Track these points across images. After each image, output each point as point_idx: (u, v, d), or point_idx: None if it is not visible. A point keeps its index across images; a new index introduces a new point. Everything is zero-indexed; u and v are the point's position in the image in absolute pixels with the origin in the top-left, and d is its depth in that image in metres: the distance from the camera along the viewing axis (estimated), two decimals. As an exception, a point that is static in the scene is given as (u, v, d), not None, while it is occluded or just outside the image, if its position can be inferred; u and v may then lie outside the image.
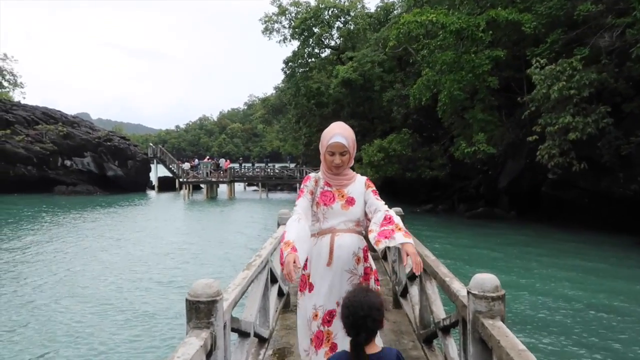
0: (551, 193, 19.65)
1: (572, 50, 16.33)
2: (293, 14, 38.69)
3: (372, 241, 2.38)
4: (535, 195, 20.74)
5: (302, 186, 2.66)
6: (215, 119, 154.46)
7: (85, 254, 14.87)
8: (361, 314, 1.77)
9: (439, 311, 3.14)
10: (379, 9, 37.37)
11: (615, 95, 16.04)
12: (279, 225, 5.29)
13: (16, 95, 49.53)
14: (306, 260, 2.53)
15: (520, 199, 21.66)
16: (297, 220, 2.45)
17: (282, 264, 2.24)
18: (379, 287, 2.56)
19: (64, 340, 7.93)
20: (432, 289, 3.32)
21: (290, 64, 38.25)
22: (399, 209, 4.66)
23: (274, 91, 57.94)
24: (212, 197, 37.55)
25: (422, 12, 20.38)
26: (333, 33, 38.58)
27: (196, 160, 47.38)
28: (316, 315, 2.49)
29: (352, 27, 37.04)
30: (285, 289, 4.81)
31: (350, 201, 2.55)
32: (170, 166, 42.15)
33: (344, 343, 2.19)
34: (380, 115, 31.06)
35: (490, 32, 18.82)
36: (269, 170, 40.90)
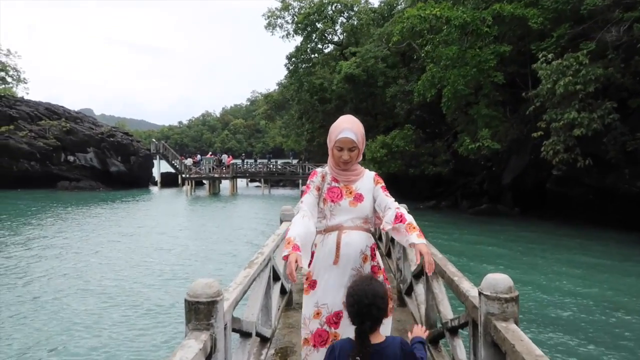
0: (556, 189, 19.50)
1: (578, 45, 16.15)
2: (296, 9, 38.53)
3: (388, 229, 2.33)
4: (540, 191, 20.59)
5: (308, 182, 2.58)
6: (218, 115, 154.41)
7: (87, 250, 14.84)
8: (366, 302, 1.76)
9: (447, 311, 3.05)
10: (382, 4, 37.19)
11: (622, 90, 15.87)
12: (281, 221, 5.21)
13: (20, 91, 49.47)
14: (311, 257, 2.45)
15: (524, 195, 21.51)
16: (302, 217, 2.38)
17: (283, 258, 2.19)
18: (388, 286, 2.47)
19: (64, 336, 7.89)
20: (439, 287, 3.23)
21: (293, 59, 38.12)
22: (404, 206, 4.56)
23: (277, 87, 57.78)
24: (215, 193, 37.50)
25: (426, 7, 20.21)
26: (336, 28, 38.42)
27: (199, 156, 47.35)
28: (318, 314, 2.40)
29: (355, 23, 36.86)
30: (287, 286, 4.73)
31: (359, 197, 2.46)
32: (173, 162, 42.11)
33: None
34: (384, 111, 30.92)
35: (496, 26, 18.65)
36: (271, 166, 40.84)
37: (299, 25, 36.65)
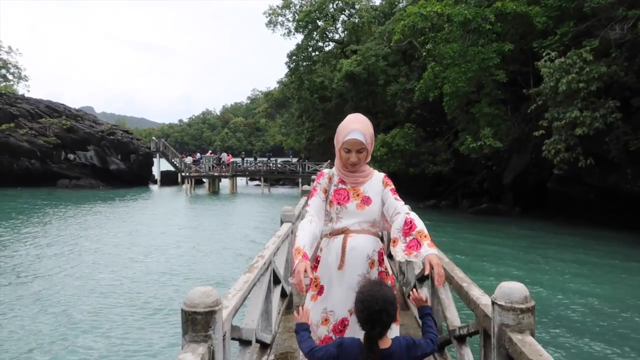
0: (557, 189, 19.39)
1: (581, 43, 16.02)
2: (297, 7, 38.40)
3: (400, 255, 2.17)
4: (541, 191, 20.47)
5: (314, 184, 2.47)
6: (218, 113, 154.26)
7: (85, 249, 14.73)
8: (376, 308, 1.74)
9: (454, 317, 2.94)
10: (384, 2, 37.05)
11: (625, 89, 15.74)
12: (282, 222, 5.10)
13: (20, 89, 49.58)
14: (317, 262, 2.35)
15: (525, 195, 21.40)
16: (309, 223, 2.28)
17: (293, 272, 2.08)
18: (395, 293, 2.36)
19: (59, 337, 7.79)
20: (445, 293, 3.13)
21: (294, 57, 38.00)
22: (407, 206, 4.46)
23: (277, 85, 57.67)
24: (214, 191, 37.40)
25: (427, 4, 20.08)
26: (337, 26, 38.31)
27: (198, 154, 47.24)
28: (326, 320, 2.31)
29: (356, 21, 36.73)
30: (288, 289, 4.63)
31: (366, 200, 2.34)
32: (173, 160, 42.02)
33: None
34: (384, 110, 30.81)
35: (499, 24, 18.52)
36: (271, 164, 40.69)
37: (300, 23, 36.53)
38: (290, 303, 4.82)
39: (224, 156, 42.23)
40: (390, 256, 6.69)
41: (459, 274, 2.78)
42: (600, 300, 9.67)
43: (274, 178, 40.23)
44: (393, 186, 2.42)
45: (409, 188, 26.55)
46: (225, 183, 39.46)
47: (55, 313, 8.91)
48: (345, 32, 38.26)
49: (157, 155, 41.94)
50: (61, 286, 10.70)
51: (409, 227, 2.18)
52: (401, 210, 2.28)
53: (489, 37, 19.17)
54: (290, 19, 39.02)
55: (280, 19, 39.32)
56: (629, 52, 15.30)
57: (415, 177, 24.91)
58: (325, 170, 2.46)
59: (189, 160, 40.93)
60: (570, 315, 8.81)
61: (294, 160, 47.52)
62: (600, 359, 7.05)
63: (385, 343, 1.79)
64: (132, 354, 7.16)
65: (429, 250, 2.08)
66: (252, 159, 47.82)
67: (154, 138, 47.64)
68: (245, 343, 2.68)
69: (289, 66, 38.89)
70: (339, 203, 2.34)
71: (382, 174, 2.47)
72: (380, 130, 27.45)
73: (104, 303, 9.51)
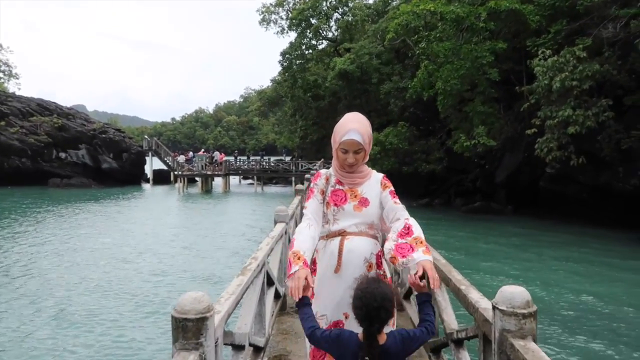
0: (549, 187, 19.47)
1: (574, 41, 16.08)
2: (291, 5, 38.28)
3: (387, 255, 2.13)
4: (533, 189, 20.54)
5: (311, 185, 2.39)
6: (211, 112, 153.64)
7: (75, 250, 14.52)
8: (375, 305, 1.75)
9: (451, 320, 2.88)
10: (377, 0, 36.98)
11: (617, 87, 15.81)
12: (275, 222, 5.03)
13: (11, 87, 48.95)
14: (314, 265, 2.28)
15: (518, 193, 21.47)
16: (308, 227, 2.21)
17: (289, 276, 2.00)
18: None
19: (44, 342, 7.68)
20: (442, 295, 3.07)
21: (287, 55, 37.86)
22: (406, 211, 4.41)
23: (271, 84, 57.47)
24: (207, 190, 37.22)
25: (420, 3, 20.06)
26: (331, 24, 38.25)
27: (191, 153, 47.00)
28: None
29: (350, 19, 36.68)
30: (282, 290, 4.56)
31: (364, 202, 2.27)
32: (165, 159, 41.78)
33: None
34: (377, 108, 30.78)
35: (492, 22, 18.54)
36: (264, 163, 40.56)
37: (294, 21, 36.42)
38: (284, 304, 4.76)
39: (217, 155, 42.05)
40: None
41: (456, 276, 2.72)
42: (594, 297, 9.73)
43: (267, 177, 40.11)
44: (392, 188, 2.35)
45: (402, 187, 26.38)
46: (218, 182, 39.29)
47: (45, 314, 8.79)
48: (339, 31, 38.18)
49: (150, 153, 41.72)
50: (51, 287, 10.57)
51: (406, 232, 2.12)
52: (401, 216, 2.22)
53: (482, 35, 19.19)
54: (284, 17, 38.94)
55: (273, 17, 39.23)
56: (622, 50, 15.37)
57: (408, 175, 24.91)
58: (322, 171, 2.39)
59: (181, 158, 40.72)
60: (564, 312, 8.84)
61: (287, 158, 47.41)
62: (595, 355, 7.09)
63: (382, 338, 1.80)
64: (122, 358, 7.06)
65: (422, 256, 2.01)
66: (245, 158, 47.63)
67: (146, 136, 47.37)
68: (238, 348, 2.61)
69: (282, 64, 38.75)
70: (335, 204, 2.28)
71: (381, 175, 2.38)
72: (374, 129, 26.83)
73: (94, 305, 9.39)
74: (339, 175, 2.32)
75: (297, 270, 1.98)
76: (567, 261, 12.88)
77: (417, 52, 22.45)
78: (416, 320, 3.96)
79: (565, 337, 7.64)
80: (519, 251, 14.32)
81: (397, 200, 2.29)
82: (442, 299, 3.06)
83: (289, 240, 5.34)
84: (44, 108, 41.41)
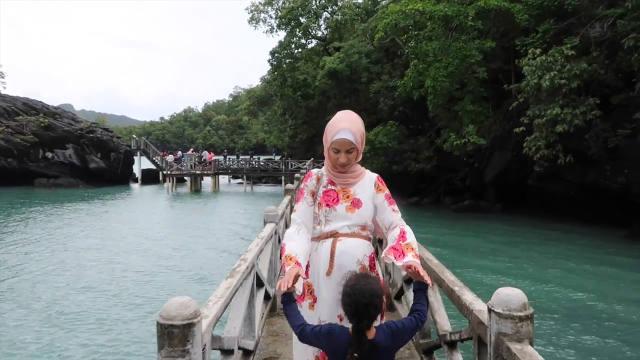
0: (537, 185, 19.59)
1: (562, 41, 16.18)
2: (280, 4, 38.10)
3: (383, 254, 2.14)
4: (522, 188, 20.66)
5: (302, 185, 2.33)
6: (200, 111, 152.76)
7: (60, 252, 14.28)
8: (363, 302, 1.76)
9: (444, 321, 2.84)
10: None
11: (604, 87, 15.94)
12: (265, 223, 4.96)
13: (-5, 86, 48.21)
14: (307, 268, 2.22)
15: (507, 191, 21.59)
16: (297, 232, 2.16)
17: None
18: (384, 299, 2.25)
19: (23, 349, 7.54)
20: (434, 296, 3.03)
21: (276, 54, 37.69)
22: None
23: (260, 83, 57.27)
24: (197, 190, 36.98)
25: (408, 2, 20.05)
26: (320, 23, 38.13)
27: (179, 152, 46.67)
28: None
29: (339, 18, 36.59)
30: (271, 291, 4.50)
31: (356, 203, 2.21)
32: (154, 158, 41.45)
33: None
34: (367, 107, 30.75)
35: (480, 21, 18.59)
36: (253, 162, 40.38)
37: (283, 20, 36.23)
38: (274, 306, 4.70)
39: (205, 154, 41.78)
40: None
41: (449, 277, 2.68)
42: (583, 293, 9.87)
43: (256, 176, 39.94)
44: (387, 191, 2.28)
45: (392, 186, 26.34)
46: (207, 181, 39.06)
47: (32, 317, 8.63)
48: (328, 30, 38.10)
49: (138, 153, 41.37)
50: (37, 288, 10.39)
51: (401, 237, 2.12)
52: (397, 224, 2.19)
53: (471, 34, 19.25)
54: (273, 15, 38.72)
55: (262, 15, 38.98)
56: (609, 50, 15.49)
57: (398, 174, 24.94)
58: (314, 171, 2.33)
59: (170, 158, 40.41)
60: (554, 308, 8.93)
61: (277, 158, 47.23)
62: (584, 350, 7.17)
63: (371, 333, 1.81)
64: None
65: (412, 259, 2.01)
66: (234, 157, 47.41)
67: (134, 136, 46.97)
68: (226, 352, 2.54)
69: (271, 63, 38.56)
70: (327, 205, 2.21)
71: (375, 175, 2.32)
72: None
73: (81, 306, 9.25)
74: (331, 175, 2.26)
75: (289, 269, 1.97)
76: (556, 258, 12.99)
77: (407, 51, 22.46)
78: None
79: (555, 333, 7.71)
80: (508, 248, 14.41)
81: (395, 208, 2.25)
82: (435, 299, 3.02)
83: (279, 240, 5.28)
84: (30, 107, 40.85)
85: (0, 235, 16.73)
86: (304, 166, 33.46)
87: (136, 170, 42.07)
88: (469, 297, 2.32)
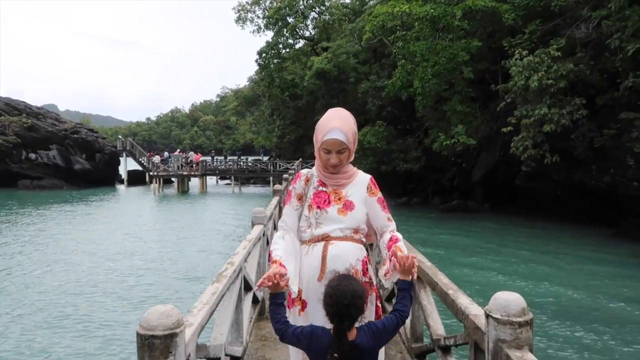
0: (525, 185, 19.72)
1: (548, 42, 16.29)
2: (267, 3, 37.97)
3: (381, 275, 2.08)
4: (509, 187, 20.79)
5: (290, 187, 2.24)
6: (187, 111, 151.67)
7: (43, 256, 13.97)
8: (345, 303, 1.76)
9: (437, 326, 2.77)
10: (354, 0, 36.97)
11: (590, 87, 16.07)
12: (253, 224, 4.86)
13: (-24, 86, 47.44)
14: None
15: (494, 191, 21.71)
16: (282, 237, 2.09)
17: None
18: (379, 304, 2.18)
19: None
20: (427, 299, 2.95)
21: (264, 55, 37.52)
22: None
23: (248, 83, 57.06)
24: (184, 191, 36.68)
25: (395, 4, 20.04)
26: (308, 23, 38.04)
27: (166, 153, 46.23)
28: None
29: (327, 18, 36.54)
30: (260, 295, 4.40)
31: (349, 205, 2.11)
32: (140, 159, 41.01)
33: None
34: (355, 108, 30.67)
35: (467, 21, 18.65)
36: (241, 163, 40.15)
37: (270, 19, 36.09)
38: (262, 309, 4.60)
39: (192, 155, 41.41)
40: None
41: (443, 280, 2.60)
42: (572, 290, 10.00)
43: (244, 177, 39.72)
44: (380, 194, 2.20)
45: (381, 186, 26.45)
46: (194, 182, 38.74)
47: (19, 320, 8.42)
48: (316, 30, 38.04)
49: (124, 154, 40.89)
50: (19, 292, 10.16)
51: (392, 243, 2.07)
52: (388, 229, 2.15)
53: (458, 34, 19.30)
54: (260, 15, 38.58)
55: (249, 15, 38.83)
56: (594, 51, 15.62)
57: (386, 174, 24.94)
58: (303, 171, 2.23)
59: (156, 159, 40.01)
60: (544, 305, 9.00)
61: (265, 158, 47.05)
62: (573, 345, 7.22)
63: (353, 334, 1.81)
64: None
65: (399, 249, 2.00)
66: (222, 158, 47.09)
67: (120, 137, 46.46)
68: (213, 361, 2.45)
69: (259, 63, 38.38)
70: (318, 207, 2.12)
71: (368, 177, 2.23)
72: (352, 128, 27.35)
73: (63, 312, 9.05)
74: (321, 176, 2.17)
75: (272, 268, 1.91)
76: (544, 256, 13.09)
77: (394, 51, 22.46)
78: (402, 328, 3.86)
79: (544, 329, 7.75)
80: (496, 247, 14.48)
81: (390, 216, 2.19)
82: (428, 303, 2.95)
83: (268, 242, 5.18)
84: (12, 107, 40.13)
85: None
86: (293, 167, 33.34)
87: (122, 171, 41.58)
88: (464, 301, 2.24)
